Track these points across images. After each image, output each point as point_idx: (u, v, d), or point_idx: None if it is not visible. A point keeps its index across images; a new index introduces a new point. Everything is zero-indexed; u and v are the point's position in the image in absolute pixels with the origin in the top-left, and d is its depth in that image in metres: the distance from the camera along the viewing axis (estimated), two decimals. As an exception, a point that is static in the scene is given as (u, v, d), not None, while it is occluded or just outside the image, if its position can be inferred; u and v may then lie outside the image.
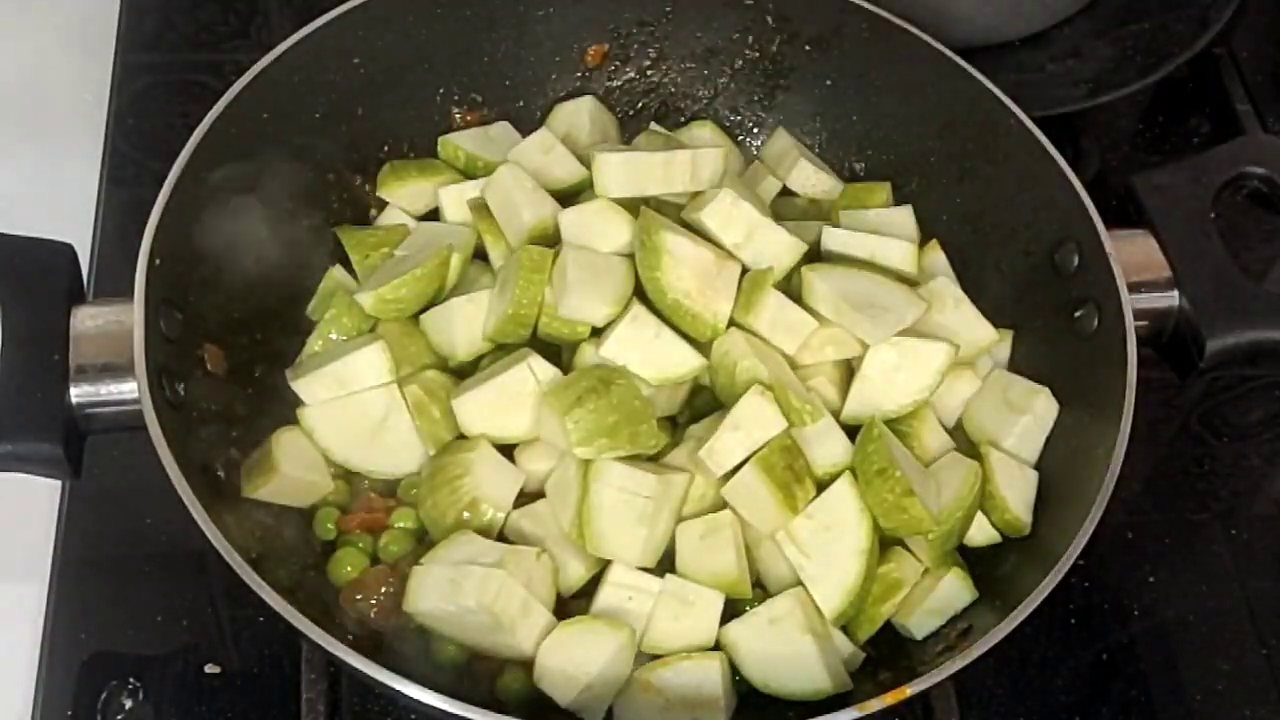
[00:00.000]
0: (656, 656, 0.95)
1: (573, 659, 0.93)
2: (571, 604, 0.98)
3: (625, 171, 1.07)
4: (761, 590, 1.01)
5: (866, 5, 1.16)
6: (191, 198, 1.00)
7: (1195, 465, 1.26)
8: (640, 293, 1.03)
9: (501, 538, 0.99)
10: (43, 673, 1.05)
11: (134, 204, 1.28)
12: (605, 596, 0.96)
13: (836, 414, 1.03)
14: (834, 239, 1.10)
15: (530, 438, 1.02)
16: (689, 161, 1.07)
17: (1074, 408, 1.05)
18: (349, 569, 0.98)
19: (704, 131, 1.24)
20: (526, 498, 1.02)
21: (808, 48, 1.20)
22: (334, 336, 1.05)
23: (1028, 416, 1.05)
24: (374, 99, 1.15)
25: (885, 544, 1.00)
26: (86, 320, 0.97)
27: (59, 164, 1.35)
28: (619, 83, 1.25)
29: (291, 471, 0.99)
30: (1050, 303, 1.09)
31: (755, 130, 1.26)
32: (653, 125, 1.25)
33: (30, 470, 0.94)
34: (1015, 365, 1.11)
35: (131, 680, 1.05)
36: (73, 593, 1.09)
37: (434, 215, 1.15)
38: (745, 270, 1.05)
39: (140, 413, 0.90)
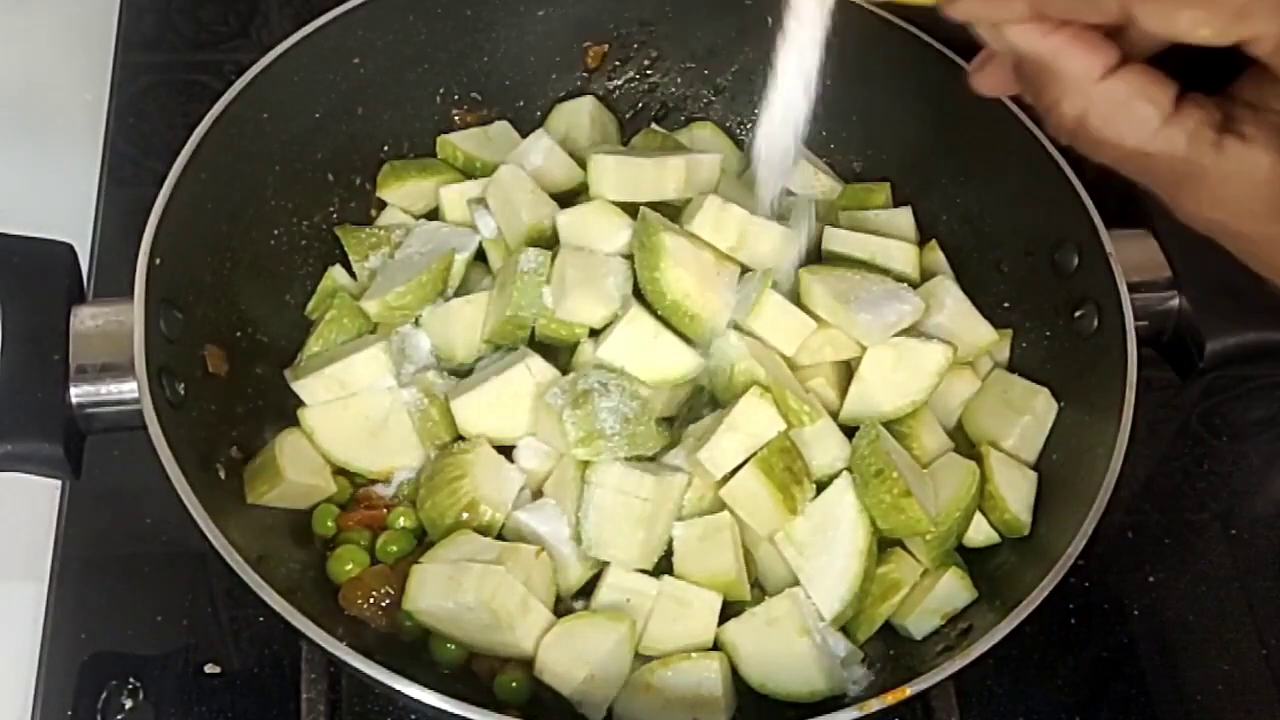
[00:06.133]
0: (654, 658, 0.96)
1: (574, 650, 0.93)
2: (570, 606, 0.98)
3: (619, 175, 1.07)
4: (760, 591, 1.01)
5: (866, 5, 1.16)
6: (191, 198, 1.00)
7: (1195, 465, 1.26)
8: (639, 294, 1.03)
9: (501, 538, 0.99)
10: (43, 673, 1.05)
11: (134, 204, 1.27)
12: (603, 598, 0.96)
13: (835, 415, 1.03)
14: (835, 240, 1.10)
15: (528, 438, 1.02)
16: (682, 167, 1.07)
17: (1074, 408, 1.05)
18: (349, 566, 0.98)
19: (704, 133, 1.24)
20: (526, 498, 1.02)
21: (808, 48, 1.20)
22: (334, 337, 1.05)
23: (1028, 416, 1.05)
24: (374, 99, 1.15)
25: (884, 544, 1.00)
26: (86, 320, 0.97)
27: (59, 164, 1.35)
28: (619, 83, 1.25)
29: (296, 477, 0.99)
30: (1050, 303, 1.09)
31: (755, 130, 1.25)
32: (653, 125, 1.25)
33: (30, 470, 0.94)
34: (1015, 365, 1.11)
35: (131, 680, 1.05)
36: (73, 593, 1.09)
37: (434, 215, 1.15)
38: (745, 271, 1.05)
39: (140, 413, 0.90)
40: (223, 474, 0.98)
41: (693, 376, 1.03)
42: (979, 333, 1.08)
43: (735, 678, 0.96)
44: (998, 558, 1.03)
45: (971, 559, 1.03)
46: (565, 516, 0.99)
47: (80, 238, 1.21)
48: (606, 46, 1.23)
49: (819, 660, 0.95)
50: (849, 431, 1.02)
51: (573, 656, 0.93)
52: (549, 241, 1.07)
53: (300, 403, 1.03)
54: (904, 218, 1.15)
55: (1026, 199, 1.11)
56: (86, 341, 0.96)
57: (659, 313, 1.02)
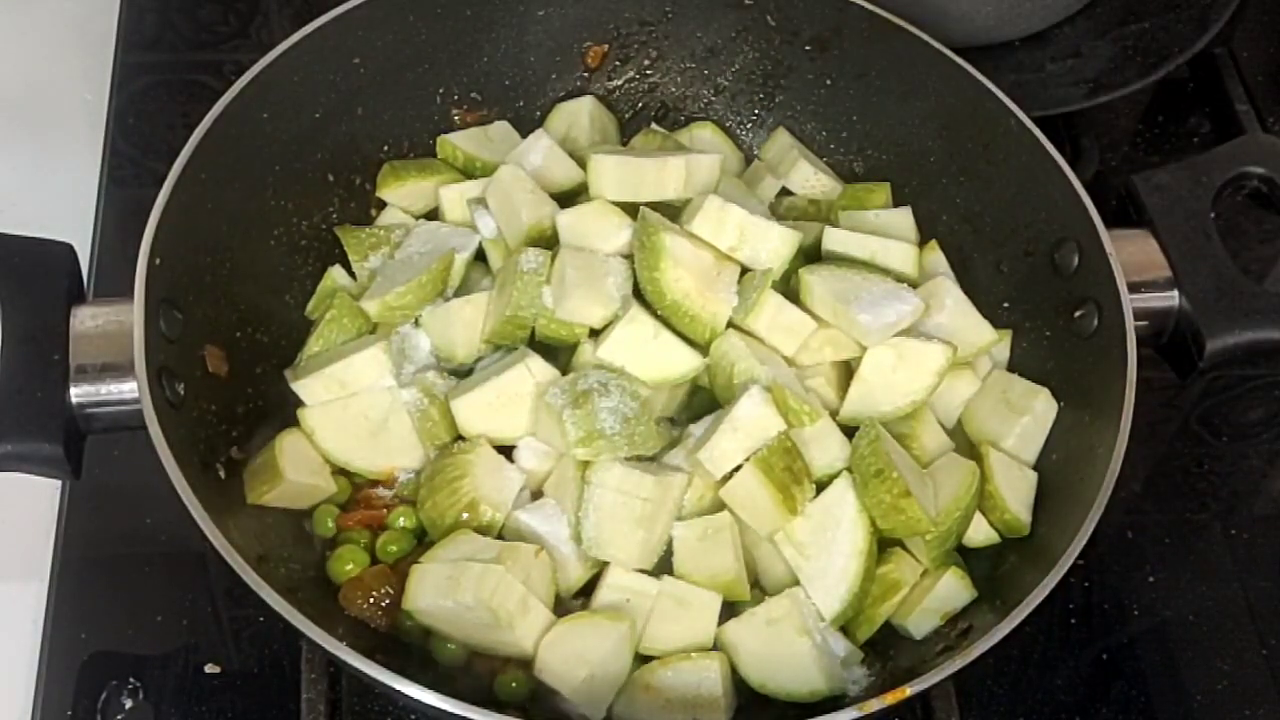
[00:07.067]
0: (654, 658, 0.95)
1: (574, 650, 0.93)
2: (570, 606, 0.98)
3: (619, 175, 1.07)
4: (760, 591, 1.01)
5: (866, 5, 1.16)
6: (191, 198, 1.00)
7: (1195, 465, 1.26)
8: (639, 294, 1.03)
9: (501, 539, 0.99)
10: (43, 673, 1.05)
11: (134, 204, 1.28)
12: (603, 598, 0.96)
13: (835, 415, 1.03)
14: (835, 239, 1.10)
15: (528, 438, 1.02)
16: (682, 167, 1.07)
17: (1074, 408, 1.05)
18: (350, 566, 0.98)
19: (704, 133, 1.24)
20: (526, 498, 1.02)
21: (808, 48, 1.21)
22: (334, 337, 1.05)
23: (1028, 416, 1.05)
24: (374, 99, 1.15)
25: (884, 544, 1.00)
26: (86, 320, 0.97)
27: (59, 164, 1.35)
28: (619, 83, 1.25)
29: (295, 477, 0.99)
30: (1050, 303, 1.09)
31: (755, 130, 1.26)
32: (653, 125, 1.25)
33: (30, 470, 0.94)
34: (1015, 365, 1.11)
35: (131, 680, 1.05)
36: (73, 593, 1.09)
37: (434, 215, 1.15)
38: (745, 271, 1.05)
39: (140, 413, 0.90)
40: (223, 474, 0.98)
41: (693, 376, 1.03)
42: (979, 333, 1.08)
43: (735, 678, 0.96)
44: (998, 558, 1.03)
45: (971, 559, 1.03)
46: (565, 516, 0.99)
47: (80, 238, 1.21)
48: (606, 46, 1.23)
49: (819, 660, 0.95)
50: (849, 431, 1.02)
51: (573, 656, 0.93)
52: (549, 241, 1.07)
53: (300, 403, 1.03)
54: (904, 218, 1.15)
55: (1026, 199, 1.11)
56: (86, 341, 0.96)
57: (659, 313, 1.02)
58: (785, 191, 1.20)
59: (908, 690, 0.86)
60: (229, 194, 1.04)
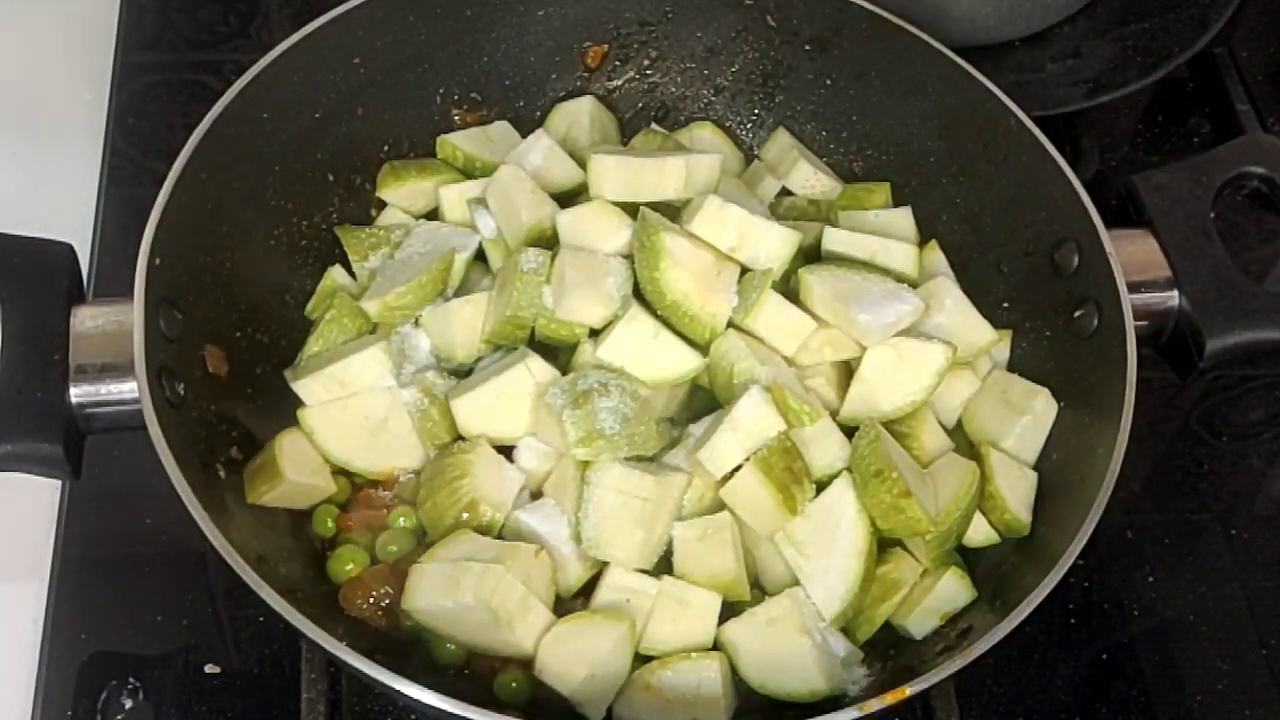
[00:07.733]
0: (654, 658, 0.95)
1: (574, 650, 0.93)
2: (570, 606, 0.98)
3: (620, 175, 1.07)
4: (760, 591, 1.01)
5: (866, 5, 1.16)
6: (191, 198, 1.00)
7: (1195, 465, 1.26)
8: (639, 294, 1.03)
9: (501, 538, 0.99)
10: (43, 673, 1.05)
11: (134, 204, 1.27)
12: (603, 598, 0.96)
13: (835, 415, 1.03)
14: (835, 239, 1.10)
15: (528, 438, 1.02)
16: (683, 167, 1.07)
17: (1074, 408, 1.05)
18: (350, 566, 0.99)
19: (704, 133, 1.24)
20: (525, 498, 1.02)
21: (808, 48, 1.21)
22: (334, 337, 1.05)
23: (1028, 416, 1.05)
24: (374, 99, 1.15)
25: (884, 544, 1.00)
26: (86, 320, 0.97)
27: (59, 164, 1.35)
28: (619, 83, 1.25)
29: (295, 477, 0.99)
30: (1050, 303, 1.09)
31: (755, 130, 1.26)
32: (653, 125, 1.25)
33: (30, 470, 0.94)
34: (1015, 365, 1.11)
35: (131, 680, 1.05)
36: (73, 593, 1.09)
37: (434, 215, 1.15)
38: (745, 271, 1.05)
39: (140, 413, 0.90)
40: (223, 474, 0.98)
41: (693, 376, 1.03)
42: (979, 333, 1.08)
43: (735, 678, 0.96)
44: (998, 558, 1.03)
45: (972, 559, 1.03)
46: (565, 516, 0.99)
47: (80, 238, 1.21)
48: (606, 46, 1.23)
49: (819, 660, 0.95)
50: (849, 431, 1.02)
51: (573, 656, 0.93)
52: (549, 241, 1.07)
53: (300, 403, 1.03)
54: (904, 218, 1.15)
55: (1026, 199, 1.11)
56: (86, 341, 0.96)
57: (659, 313, 1.02)
58: (785, 191, 1.20)
59: (908, 690, 0.86)
60: (229, 194, 1.04)
